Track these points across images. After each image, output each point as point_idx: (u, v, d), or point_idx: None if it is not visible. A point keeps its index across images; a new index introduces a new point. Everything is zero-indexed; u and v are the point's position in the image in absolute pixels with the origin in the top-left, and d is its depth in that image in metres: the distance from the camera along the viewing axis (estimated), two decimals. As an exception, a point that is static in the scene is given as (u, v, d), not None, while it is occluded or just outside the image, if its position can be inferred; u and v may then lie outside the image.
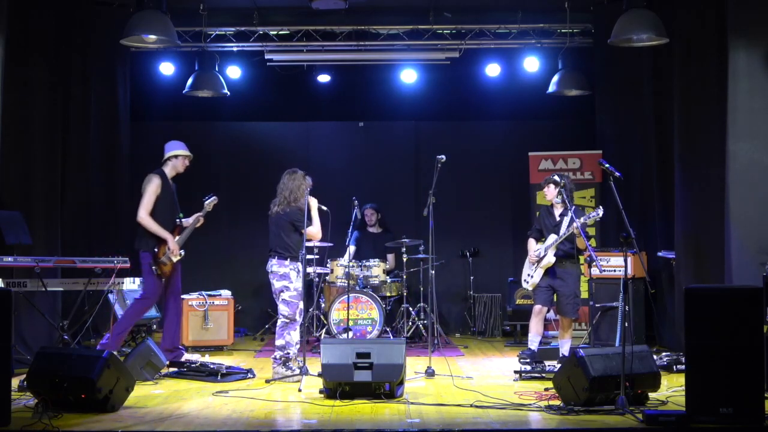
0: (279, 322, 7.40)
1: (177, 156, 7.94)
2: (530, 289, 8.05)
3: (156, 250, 7.70)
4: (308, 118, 11.45)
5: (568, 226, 7.69)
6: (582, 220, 7.62)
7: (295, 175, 7.45)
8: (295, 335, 7.35)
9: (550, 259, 7.81)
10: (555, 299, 7.99)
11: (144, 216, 7.67)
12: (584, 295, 8.66)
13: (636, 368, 5.88)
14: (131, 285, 8.10)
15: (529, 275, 8.01)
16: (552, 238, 7.84)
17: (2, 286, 7.07)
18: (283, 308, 7.34)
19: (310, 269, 8.97)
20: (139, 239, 7.78)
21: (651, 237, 9.40)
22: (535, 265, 7.92)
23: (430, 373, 7.39)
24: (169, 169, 7.93)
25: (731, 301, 5.52)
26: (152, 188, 7.72)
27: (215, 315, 9.16)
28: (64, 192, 8.78)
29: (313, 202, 7.48)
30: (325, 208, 7.57)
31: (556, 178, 7.92)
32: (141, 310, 7.87)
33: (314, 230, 7.46)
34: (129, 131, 10.55)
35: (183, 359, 7.81)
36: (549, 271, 7.86)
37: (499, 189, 11.32)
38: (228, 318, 9.22)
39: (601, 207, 7.73)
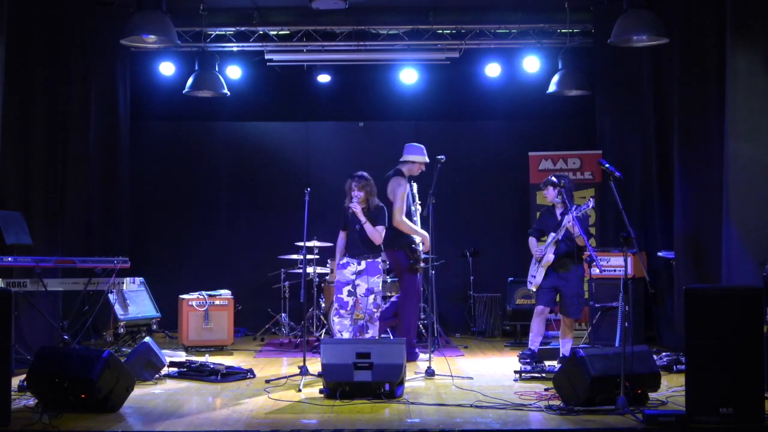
0: (368, 317, 7.56)
1: (414, 162, 8.32)
2: (534, 289, 8.05)
3: (413, 247, 8.12)
4: (308, 118, 11.45)
5: (565, 223, 7.70)
6: (574, 212, 7.60)
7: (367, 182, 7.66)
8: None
9: (549, 257, 7.80)
10: (558, 300, 8.00)
11: (401, 219, 8.03)
12: (584, 295, 8.65)
13: (636, 368, 5.87)
14: (131, 285, 8.10)
15: (533, 275, 8.01)
16: (552, 237, 7.85)
17: (2, 286, 7.07)
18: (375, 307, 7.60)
19: (309, 269, 8.96)
20: (392, 240, 8.01)
21: (651, 237, 9.39)
22: (537, 264, 7.93)
23: (430, 373, 7.38)
24: (406, 171, 8.34)
25: (731, 301, 5.51)
26: (403, 191, 8.10)
27: (215, 315, 9.16)
28: (64, 192, 8.77)
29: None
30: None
31: (554, 179, 7.88)
32: (417, 308, 8.28)
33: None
34: (129, 131, 10.56)
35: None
36: (553, 273, 7.86)
37: (499, 189, 11.30)
38: (228, 318, 9.21)
39: (591, 198, 7.79)
